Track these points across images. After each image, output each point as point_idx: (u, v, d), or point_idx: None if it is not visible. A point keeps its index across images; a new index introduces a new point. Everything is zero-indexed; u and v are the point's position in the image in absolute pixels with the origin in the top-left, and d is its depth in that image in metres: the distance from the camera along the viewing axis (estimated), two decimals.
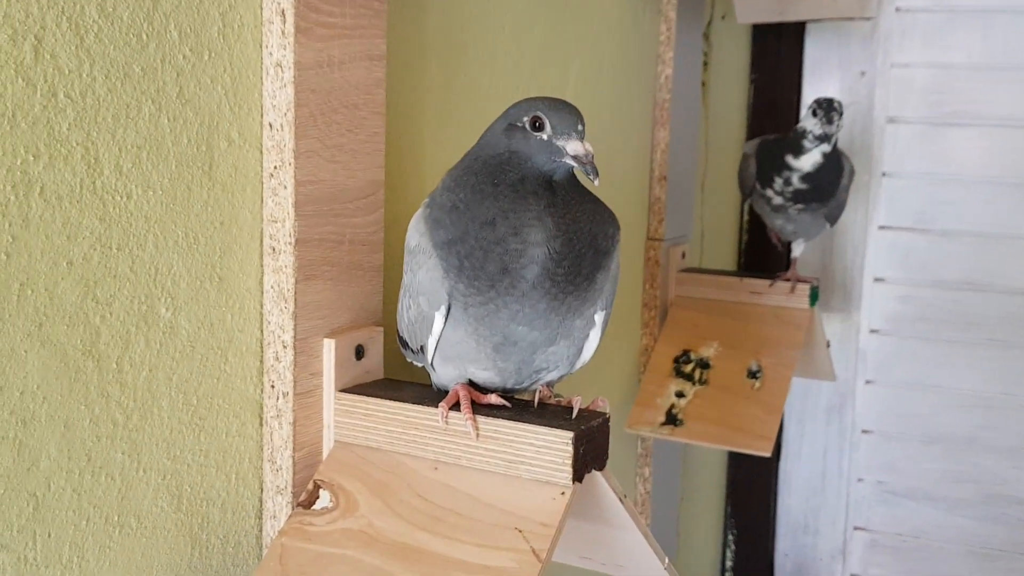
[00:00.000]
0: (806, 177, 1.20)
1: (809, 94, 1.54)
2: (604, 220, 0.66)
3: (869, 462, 1.59)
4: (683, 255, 1.35)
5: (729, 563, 1.68)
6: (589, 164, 0.62)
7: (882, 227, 1.55)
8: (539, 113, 0.64)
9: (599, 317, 0.68)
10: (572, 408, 0.67)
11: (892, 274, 1.56)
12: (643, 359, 1.30)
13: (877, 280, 1.56)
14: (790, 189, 1.21)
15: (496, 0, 0.94)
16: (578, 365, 0.70)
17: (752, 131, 1.57)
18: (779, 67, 1.59)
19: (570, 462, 0.63)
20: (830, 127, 1.17)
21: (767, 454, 1.14)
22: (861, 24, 1.53)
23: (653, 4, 1.27)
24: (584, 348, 0.69)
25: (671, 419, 1.21)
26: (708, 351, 1.26)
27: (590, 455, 0.65)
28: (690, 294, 1.32)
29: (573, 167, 0.64)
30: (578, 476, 0.63)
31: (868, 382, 1.58)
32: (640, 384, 1.27)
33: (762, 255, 1.54)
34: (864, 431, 1.59)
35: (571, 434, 0.63)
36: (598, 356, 1.22)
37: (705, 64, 1.52)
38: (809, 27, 1.56)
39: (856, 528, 1.61)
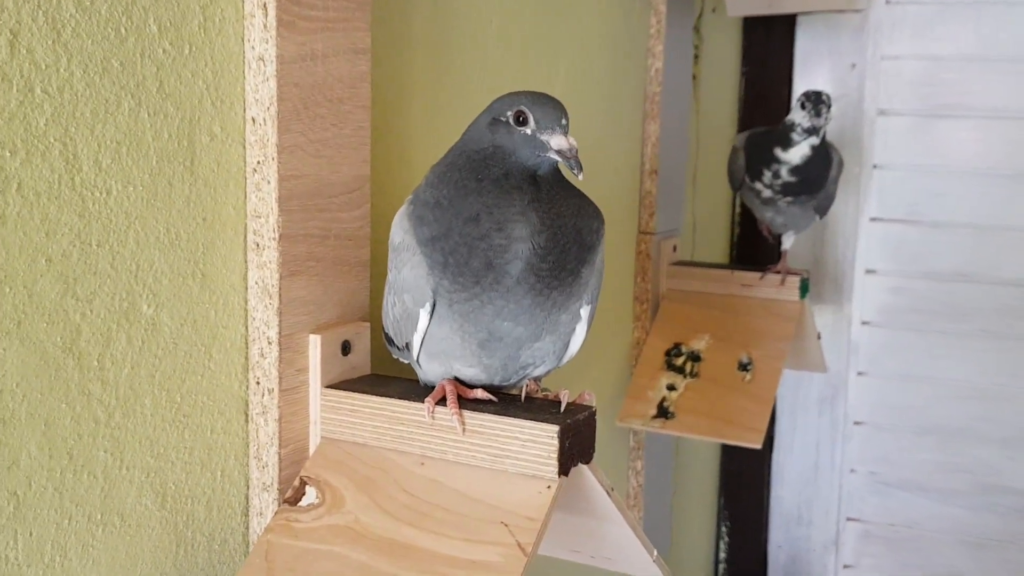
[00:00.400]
0: (795, 170, 1.20)
1: (800, 87, 1.54)
2: (588, 214, 0.66)
3: (862, 453, 1.59)
4: (674, 248, 1.35)
5: (723, 555, 1.68)
6: (573, 159, 0.62)
7: (873, 219, 1.55)
8: (523, 107, 0.63)
9: (584, 311, 0.68)
10: (559, 402, 0.66)
11: (884, 266, 1.56)
12: (635, 352, 1.30)
13: (869, 272, 1.56)
14: (779, 182, 1.21)
15: None
16: (565, 359, 0.70)
17: (743, 124, 1.56)
18: (770, 60, 1.58)
19: (556, 456, 0.63)
20: (818, 120, 1.16)
21: (758, 446, 1.14)
22: (851, 16, 1.53)
23: None
24: (570, 343, 0.69)
25: (662, 412, 1.21)
26: (699, 344, 1.25)
27: (576, 448, 0.65)
28: (681, 287, 1.32)
29: (557, 161, 0.63)
30: (564, 469, 0.63)
31: (860, 374, 1.58)
32: (632, 377, 1.27)
33: (754, 248, 1.54)
34: (856, 423, 1.59)
35: (557, 428, 0.63)
36: (590, 350, 1.21)
37: (696, 57, 1.51)
38: (800, 20, 1.56)
39: (849, 519, 1.61)
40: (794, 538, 1.65)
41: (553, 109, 0.63)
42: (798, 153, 1.19)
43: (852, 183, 1.53)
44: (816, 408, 1.60)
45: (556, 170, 0.65)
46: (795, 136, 1.18)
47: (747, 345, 1.22)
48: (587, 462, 0.66)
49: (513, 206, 0.62)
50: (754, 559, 1.66)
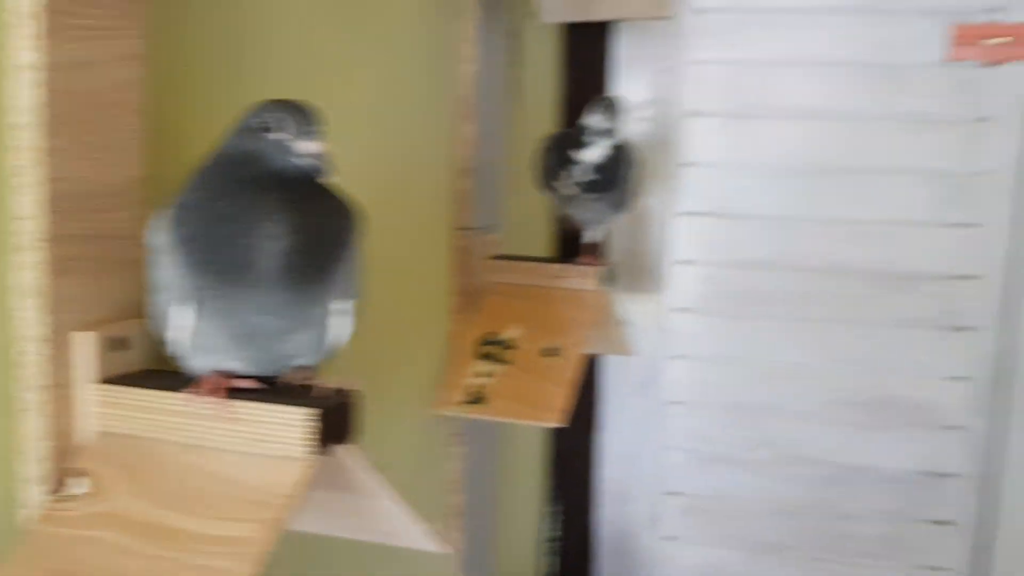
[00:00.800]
0: (591, 169, 1.29)
1: (618, 89, 1.64)
2: (342, 214, 0.71)
3: (680, 431, 1.71)
4: (493, 243, 1.42)
5: (552, 534, 1.77)
6: (321, 163, 0.67)
7: (684, 213, 1.67)
8: (274, 114, 0.68)
9: (342, 305, 0.73)
10: (319, 388, 0.72)
11: (696, 256, 1.67)
12: (451, 343, 1.36)
13: (681, 262, 1.67)
14: (577, 181, 1.30)
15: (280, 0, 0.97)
16: (329, 350, 0.75)
17: (566, 125, 1.65)
18: (590, 64, 1.67)
19: (310, 437, 0.68)
20: (611, 123, 1.26)
21: (556, 424, 1.23)
22: (664, 23, 1.64)
23: (454, 2, 1.32)
24: (331, 335, 0.74)
25: (474, 398, 1.28)
26: (512, 333, 1.33)
27: (333, 430, 0.70)
28: (498, 280, 1.39)
29: (306, 165, 0.68)
30: (319, 450, 0.69)
31: (676, 357, 1.69)
32: (447, 367, 1.33)
33: (574, 243, 1.63)
34: (674, 403, 1.71)
35: (311, 410, 0.68)
36: (407, 342, 1.26)
37: (516, 61, 1.59)
38: (618, 26, 1.65)
39: (670, 494, 1.73)
40: (620, 514, 1.75)
41: (303, 115, 0.68)
42: (594, 154, 1.28)
43: (663, 180, 1.64)
44: (637, 390, 1.71)
45: (308, 173, 0.70)
46: (591, 138, 1.27)
47: (554, 333, 1.30)
48: (346, 443, 0.72)
49: (264, 207, 0.67)
50: (583, 536, 1.76)
